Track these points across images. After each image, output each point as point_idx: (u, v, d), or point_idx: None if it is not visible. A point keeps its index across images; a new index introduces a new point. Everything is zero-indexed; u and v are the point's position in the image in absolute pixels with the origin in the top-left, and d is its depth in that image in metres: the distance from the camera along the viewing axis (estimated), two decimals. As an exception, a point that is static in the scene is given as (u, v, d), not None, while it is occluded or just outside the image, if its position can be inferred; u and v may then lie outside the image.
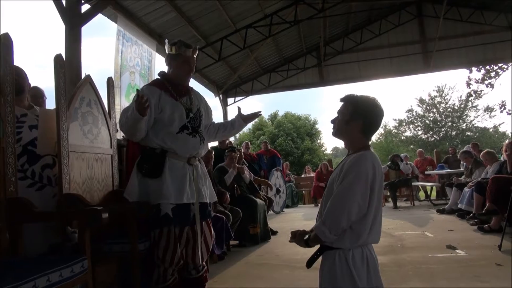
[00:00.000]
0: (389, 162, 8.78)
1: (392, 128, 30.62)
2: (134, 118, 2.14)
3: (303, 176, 12.45)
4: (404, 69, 11.48)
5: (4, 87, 1.94)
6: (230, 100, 12.00)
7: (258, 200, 4.96)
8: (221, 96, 11.55)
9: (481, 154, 6.02)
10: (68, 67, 4.52)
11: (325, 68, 11.77)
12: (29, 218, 1.88)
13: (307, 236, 1.76)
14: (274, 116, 22.54)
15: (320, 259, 1.73)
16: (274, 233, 5.32)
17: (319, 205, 1.83)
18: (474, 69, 14.25)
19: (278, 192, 8.35)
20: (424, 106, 29.05)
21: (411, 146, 28.38)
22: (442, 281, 2.81)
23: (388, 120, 30.64)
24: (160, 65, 7.54)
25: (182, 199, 2.23)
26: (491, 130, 27.85)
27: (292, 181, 10.91)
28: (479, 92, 16.28)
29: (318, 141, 23.34)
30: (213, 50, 8.68)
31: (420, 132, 29.30)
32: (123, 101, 5.78)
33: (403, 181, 8.38)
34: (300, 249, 4.70)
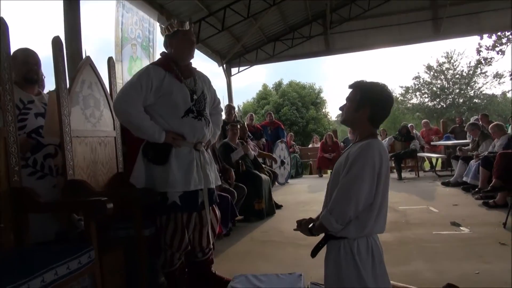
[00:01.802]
0: (397, 133, 8.72)
1: (398, 96, 30.21)
2: (151, 136, 2.20)
3: (310, 146, 12.38)
4: (413, 36, 11.14)
5: (2, 75, 1.89)
6: (234, 70, 11.81)
7: (263, 176, 4.96)
8: (224, 65, 11.36)
9: (490, 126, 5.93)
10: (67, 41, 4.44)
11: (331, 36, 11.45)
12: (35, 208, 1.89)
13: (311, 224, 1.76)
14: (278, 85, 22.15)
15: (325, 248, 1.74)
16: (279, 207, 5.36)
17: (325, 193, 1.81)
18: (485, 36, 13.82)
19: (282, 163, 8.39)
20: (432, 73, 28.47)
21: (417, 114, 28.11)
22: (446, 261, 2.83)
23: (395, 87, 30.22)
24: (161, 36, 7.36)
25: (189, 186, 2.22)
26: (499, 97, 27.40)
27: (297, 152, 10.91)
28: (489, 60, 15.89)
29: (323, 110, 23.09)
30: (216, 19, 8.44)
31: (426, 100, 28.88)
32: (125, 75, 5.68)
33: (408, 153, 8.34)
34: (304, 228, 4.58)
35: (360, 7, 11.00)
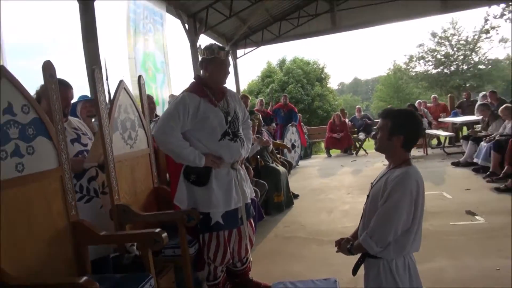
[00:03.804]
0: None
1: (401, 65, 29.81)
2: (192, 162, 2.33)
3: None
4: (420, 11, 10.90)
5: (55, 117, 2.00)
6: (239, 52, 11.73)
7: (281, 168, 5.11)
8: (230, 48, 11.28)
9: (500, 109, 5.98)
10: (85, 42, 4.48)
11: (338, 13, 11.27)
12: (94, 241, 2.04)
13: (349, 245, 1.91)
14: (282, 62, 21.79)
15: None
16: (296, 196, 5.52)
17: (363, 211, 1.92)
18: (494, 5, 13.56)
19: (293, 147, 8.52)
20: (436, 40, 27.98)
21: (421, 82, 27.89)
22: (466, 257, 3.00)
23: (398, 56, 29.81)
24: (171, 24, 7.28)
25: (230, 205, 2.38)
26: (503, 62, 26.99)
27: (305, 132, 11.00)
28: (497, 28, 15.64)
29: (328, 86, 22.80)
30: (224, 5, 8.33)
31: (430, 67, 28.51)
32: (139, 70, 5.72)
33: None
34: (323, 219, 4.88)
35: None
